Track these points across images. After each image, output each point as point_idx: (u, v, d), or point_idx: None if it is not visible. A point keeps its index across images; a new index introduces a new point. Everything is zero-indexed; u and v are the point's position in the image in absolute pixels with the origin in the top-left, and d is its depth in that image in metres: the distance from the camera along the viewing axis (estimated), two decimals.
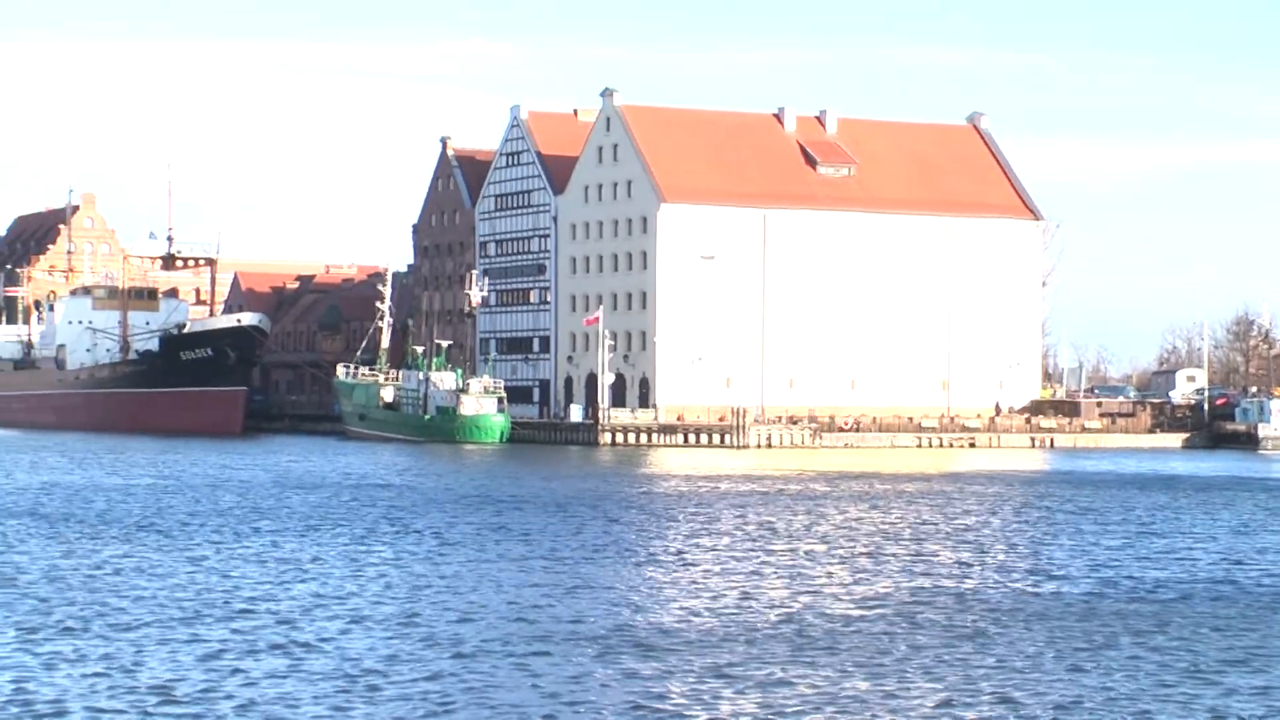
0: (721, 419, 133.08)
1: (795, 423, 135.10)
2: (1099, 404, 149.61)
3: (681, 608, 36.17)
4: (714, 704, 25.69)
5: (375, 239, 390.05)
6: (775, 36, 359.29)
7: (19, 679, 26.93)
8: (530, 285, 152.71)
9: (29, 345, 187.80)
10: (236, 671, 27.84)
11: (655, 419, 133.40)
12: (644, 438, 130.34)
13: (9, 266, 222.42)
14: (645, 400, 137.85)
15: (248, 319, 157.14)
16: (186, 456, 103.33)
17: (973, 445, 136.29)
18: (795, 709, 25.44)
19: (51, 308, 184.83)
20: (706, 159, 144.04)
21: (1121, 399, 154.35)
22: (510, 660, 29.21)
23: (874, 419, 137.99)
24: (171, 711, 24.65)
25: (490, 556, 46.13)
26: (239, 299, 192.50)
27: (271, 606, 35.56)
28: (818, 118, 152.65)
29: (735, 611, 35.69)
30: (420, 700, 25.68)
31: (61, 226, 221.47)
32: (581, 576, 41.61)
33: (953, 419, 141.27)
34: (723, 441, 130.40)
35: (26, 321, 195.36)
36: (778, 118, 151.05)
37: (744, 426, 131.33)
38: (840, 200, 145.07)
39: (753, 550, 48.81)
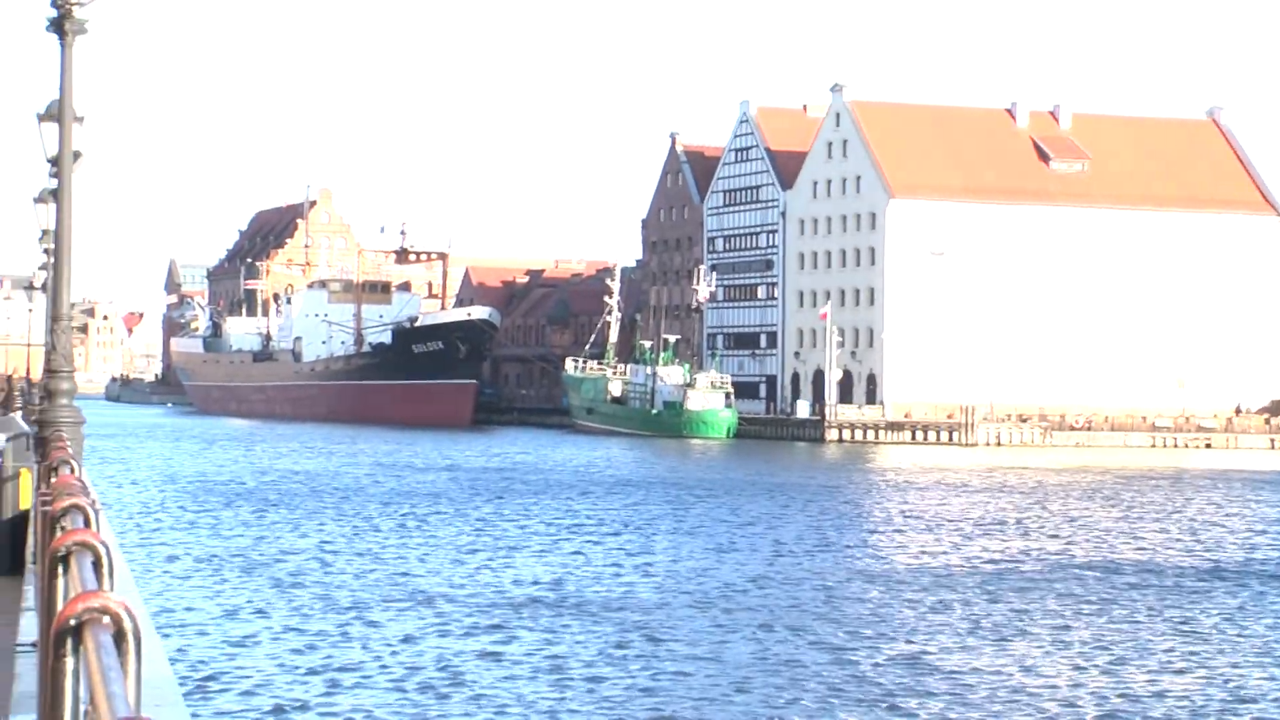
0: (950, 416, 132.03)
1: (1025, 421, 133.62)
2: None
3: (900, 597, 36.25)
4: (919, 692, 25.79)
5: (604, 234, 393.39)
6: (1008, 30, 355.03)
7: (269, 656, 27.87)
8: (758, 280, 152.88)
9: (267, 337, 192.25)
10: (487, 655, 28.50)
11: (882, 416, 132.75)
12: (871, 434, 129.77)
13: (249, 260, 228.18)
14: (872, 397, 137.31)
15: (478, 313, 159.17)
16: (418, 448, 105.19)
17: (1209, 446, 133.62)
18: (995, 700, 25.45)
19: (289, 301, 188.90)
20: (937, 154, 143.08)
21: None
22: (722, 646, 29.55)
23: (1106, 418, 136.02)
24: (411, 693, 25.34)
25: (712, 545, 46.53)
26: (470, 293, 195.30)
27: (491, 592, 36.30)
28: (1051, 112, 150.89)
29: (946, 603, 35.66)
30: (639, 688, 26.10)
31: (299, 221, 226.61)
32: (804, 566, 41.84)
33: (1188, 419, 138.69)
34: (951, 439, 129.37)
35: (265, 314, 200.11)
36: (1010, 113, 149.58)
37: (973, 424, 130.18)
38: (1073, 196, 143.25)
39: (975, 542, 48.62)
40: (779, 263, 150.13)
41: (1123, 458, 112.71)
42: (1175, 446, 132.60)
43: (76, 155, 18.89)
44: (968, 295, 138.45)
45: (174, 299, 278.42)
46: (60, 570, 5.54)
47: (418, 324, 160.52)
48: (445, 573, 39.01)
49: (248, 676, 25.50)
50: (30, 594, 12.46)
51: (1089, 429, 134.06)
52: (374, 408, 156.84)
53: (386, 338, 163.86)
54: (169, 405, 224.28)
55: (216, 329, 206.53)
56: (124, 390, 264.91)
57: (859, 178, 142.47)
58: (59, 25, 17.96)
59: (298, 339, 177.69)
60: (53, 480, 10.14)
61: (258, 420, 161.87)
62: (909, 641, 30.24)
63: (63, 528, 6.72)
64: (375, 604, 33.59)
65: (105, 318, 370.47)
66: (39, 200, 34.83)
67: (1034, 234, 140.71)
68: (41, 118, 20.75)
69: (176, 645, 27.54)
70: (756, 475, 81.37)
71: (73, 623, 3.96)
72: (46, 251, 37.74)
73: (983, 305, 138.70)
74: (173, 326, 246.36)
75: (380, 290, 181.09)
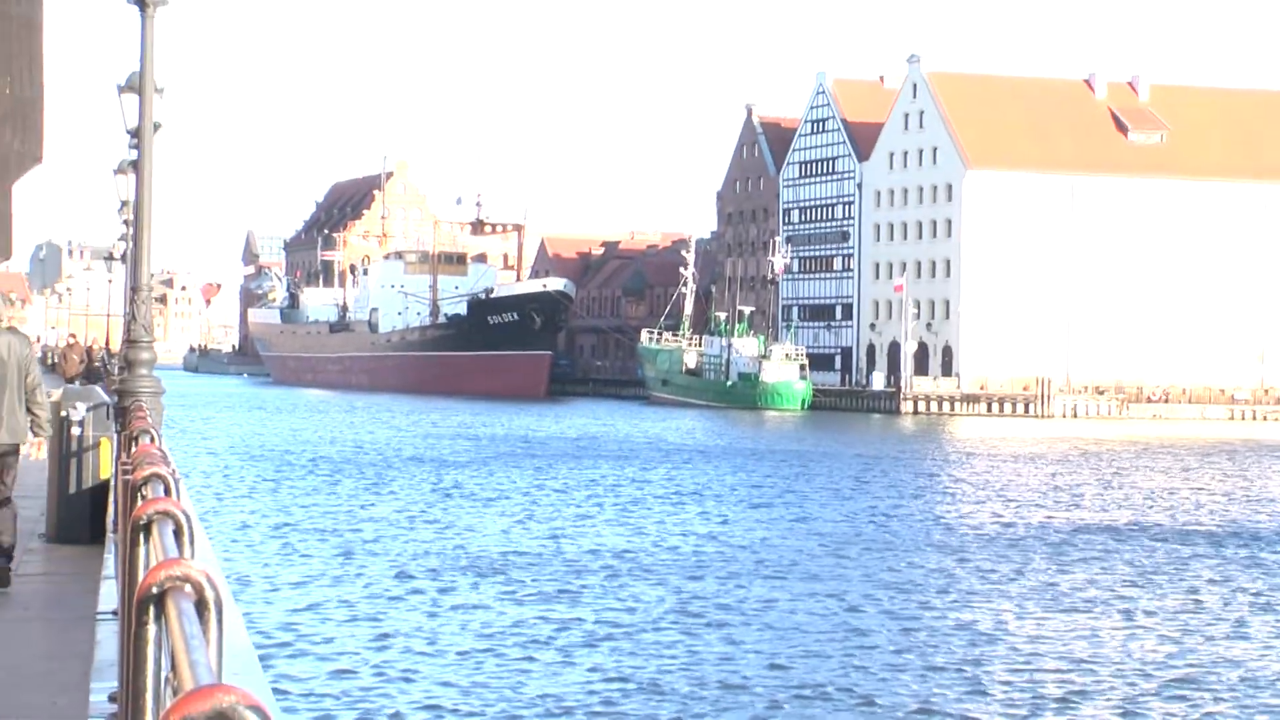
0: (1025, 389, 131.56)
1: (1101, 393, 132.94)
2: None
3: (970, 567, 36.17)
4: (986, 660, 25.74)
5: (680, 206, 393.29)
6: (1086, 0, 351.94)
7: (343, 622, 28.08)
8: (834, 252, 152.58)
9: (344, 308, 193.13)
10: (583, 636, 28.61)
11: (958, 388, 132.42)
12: (946, 407, 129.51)
13: (326, 231, 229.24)
14: (948, 369, 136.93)
15: (553, 284, 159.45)
16: (493, 418, 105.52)
17: None
18: (1063, 669, 25.39)
19: (365, 272, 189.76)
20: (1014, 126, 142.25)
21: None
22: (790, 615, 29.58)
23: (1184, 390, 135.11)
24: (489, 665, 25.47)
25: (783, 514, 46.54)
26: (545, 264, 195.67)
27: (566, 559, 36.44)
28: (1130, 83, 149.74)
29: (1020, 571, 35.56)
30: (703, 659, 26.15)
31: (376, 192, 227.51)
32: (875, 535, 41.79)
33: (1267, 391, 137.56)
34: (1026, 411, 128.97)
35: (342, 285, 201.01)
36: (1088, 84, 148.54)
37: (1049, 396, 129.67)
38: (1152, 167, 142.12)
39: (1047, 512, 48.41)
40: (855, 234, 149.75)
41: (1200, 430, 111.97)
42: (1254, 419, 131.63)
43: (156, 127, 19.03)
44: (1044, 267, 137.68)
45: (251, 270, 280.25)
46: (141, 539, 5.60)
47: (493, 295, 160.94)
48: (520, 540, 39.17)
49: (323, 644, 25.70)
50: (110, 562, 12.60)
51: (1166, 401, 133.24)
52: (449, 379, 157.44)
53: (462, 309, 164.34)
54: (244, 375, 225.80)
55: (293, 300, 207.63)
56: (202, 361, 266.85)
57: (936, 149, 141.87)
58: None
59: (374, 310, 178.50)
60: (133, 449, 10.24)
61: (334, 391, 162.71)
62: (977, 611, 30.17)
63: (144, 496, 6.78)
64: (448, 571, 33.79)
65: (183, 288, 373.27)
66: (119, 172, 35.12)
67: (1112, 206, 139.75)
68: (122, 89, 20.92)
69: (252, 613, 27.78)
70: (831, 446, 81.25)
71: (155, 591, 4.01)
72: (126, 223, 38.07)
73: (1059, 277, 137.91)
74: (250, 297, 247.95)
75: (456, 261, 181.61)
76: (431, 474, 58.95)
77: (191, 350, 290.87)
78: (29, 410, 13.19)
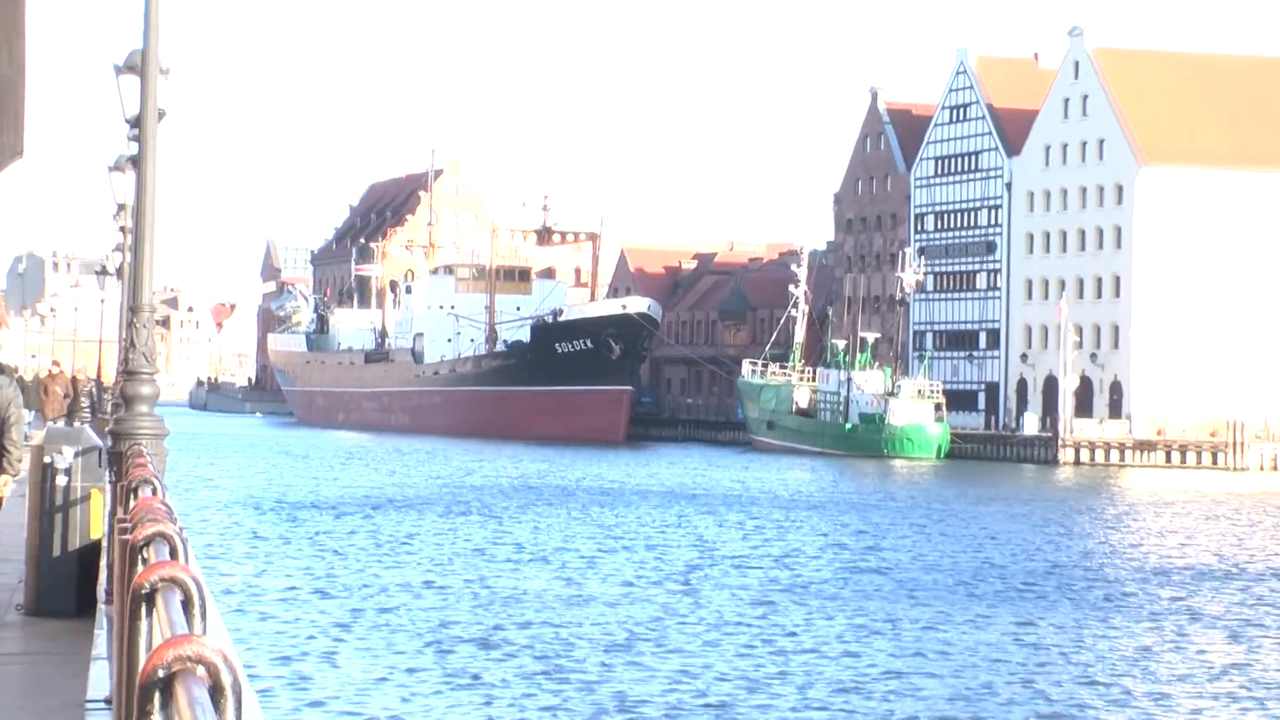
0: (1213, 434, 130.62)
1: None
2: None
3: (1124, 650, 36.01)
4: None
5: (788, 210, 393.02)
6: None
7: (374, 701, 28.21)
8: (977, 267, 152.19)
9: (383, 333, 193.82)
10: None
11: (1129, 432, 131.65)
12: (1115, 455, 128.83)
13: (362, 241, 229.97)
14: (1117, 409, 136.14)
15: (635, 305, 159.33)
16: (562, 467, 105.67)
17: None
18: None
19: (409, 290, 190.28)
20: (1199, 113, 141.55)
21: None
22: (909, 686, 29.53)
23: None
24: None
25: (909, 584, 46.48)
26: (625, 281, 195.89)
27: (645, 630, 36.52)
28: None
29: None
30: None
31: (422, 194, 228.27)
32: (1007, 609, 41.67)
33: None
34: (1214, 462, 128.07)
35: (380, 305, 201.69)
36: None
37: (1242, 444, 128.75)
38: None
39: (1237, 589, 48.09)
40: (1003, 245, 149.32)
41: None
42: None
43: (161, 115, 19.15)
44: (1236, 285, 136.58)
45: (272, 288, 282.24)
46: (143, 611, 5.63)
47: (562, 318, 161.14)
48: (578, 608, 39.21)
49: None
50: (103, 639, 12.65)
51: None
52: (509, 419, 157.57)
53: (525, 335, 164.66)
54: (257, 415, 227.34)
55: (322, 323, 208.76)
56: (211, 396, 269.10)
57: (1102, 141, 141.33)
58: None
59: (419, 336, 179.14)
60: (132, 503, 10.30)
61: (370, 433, 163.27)
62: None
63: (145, 560, 6.82)
64: (488, 645, 34.10)
65: (190, 310, 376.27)
66: (115, 169, 35.33)
67: None
68: (120, 70, 21.06)
69: (268, 692, 27.94)
70: (974, 503, 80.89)
71: (161, 674, 4.02)
72: (123, 230, 38.36)
73: (1255, 298, 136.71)
74: (270, 320, 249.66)
75: (518, 277, 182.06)
76: (478, 531, 59.12)
77: (199, 384, 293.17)
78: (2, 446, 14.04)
